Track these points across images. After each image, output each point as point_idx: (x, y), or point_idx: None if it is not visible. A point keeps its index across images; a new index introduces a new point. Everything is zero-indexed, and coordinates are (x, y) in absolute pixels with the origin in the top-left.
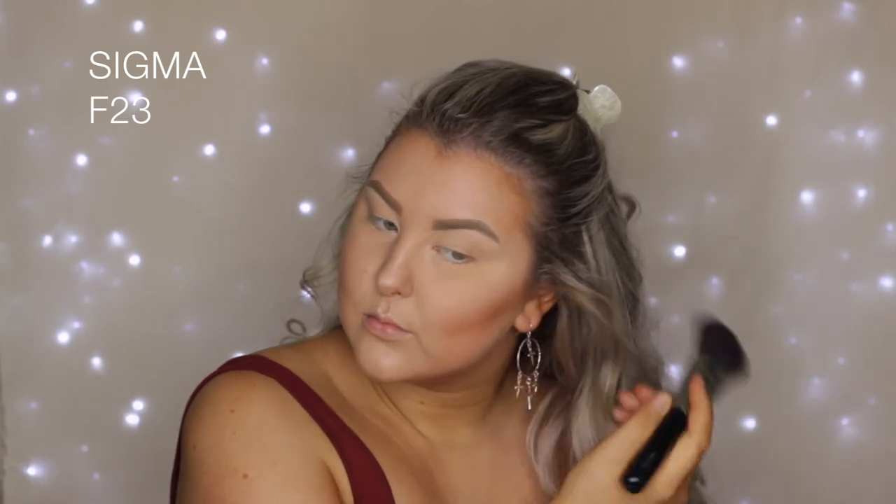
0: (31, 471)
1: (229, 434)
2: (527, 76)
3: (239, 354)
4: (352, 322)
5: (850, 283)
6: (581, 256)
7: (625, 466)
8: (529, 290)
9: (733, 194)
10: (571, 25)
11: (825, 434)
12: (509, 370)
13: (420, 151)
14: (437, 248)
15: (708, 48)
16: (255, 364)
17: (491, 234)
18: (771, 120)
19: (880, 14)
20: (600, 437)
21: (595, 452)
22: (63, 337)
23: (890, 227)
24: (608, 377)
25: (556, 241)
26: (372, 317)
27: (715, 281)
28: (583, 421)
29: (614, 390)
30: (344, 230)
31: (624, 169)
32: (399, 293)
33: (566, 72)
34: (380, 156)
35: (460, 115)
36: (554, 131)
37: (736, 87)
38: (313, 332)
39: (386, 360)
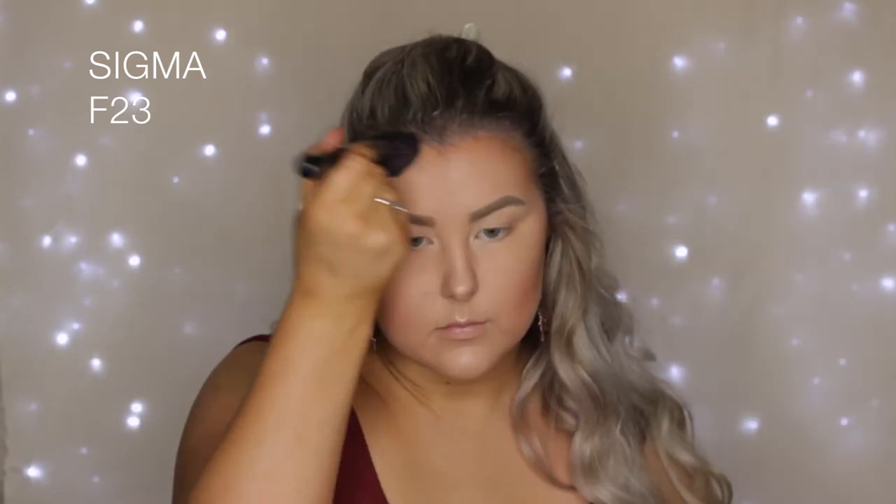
0: (31, 472)
1: (222, 362)
2: (434, 48)
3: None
4: (420, 343)
5: (852, 284)
6: (562, 187)
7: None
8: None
9: (734, 195)
10: (571, 25)
11: (827, 435)
12: (521, 352)
13: (421, 163)
14: (478, 235)
15: (708, 48)
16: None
17: (518, 201)
18: (772, 120)
19: (881, 14)
20: (570, 374)
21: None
22: (62, 338)
23: (892, 227)
24: (577, 311)
25: (547, 176)
26: (449, 326)
27: (716, 282)
28: (559, 359)
29: (580, 325)
30: None
31: (625, 169)
32: (472, 293)
33: (566, 72)
34: None
35: (435, 114)
36: (500, 81)
37: (736, 87)
38: None
39: (474, 357)
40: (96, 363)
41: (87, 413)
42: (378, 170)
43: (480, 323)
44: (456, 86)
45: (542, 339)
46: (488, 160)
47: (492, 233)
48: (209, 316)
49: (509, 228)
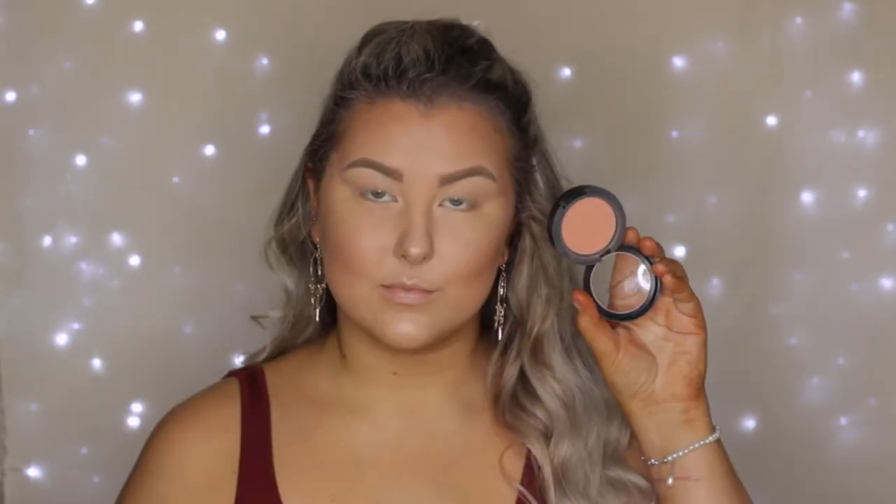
0: (31, 472)
1: (138, 464)
2: (438, 25)
3: (238, 358)
4: (365, 298)
5: (851, 284)
6: (537, 186)
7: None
8: (511, 225)
9: (734, 194)
10: (571, 25)
11: (825, 434)
12: (477, 344)
13: (402, 118)
14: (442, 203)
15: (708, 48)
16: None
17: (491, 176)
18: (771, 120)
19: (880, 14)
20: (543, 384)
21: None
22: (62, 338)
23: (890, 227)
24: (551, 319)
25: (523, 173)
26: (394, 286)
27: (715, 281)
28: (531, 367)
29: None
30: (289, 251)
31: (624, 169)
32: (425, 258)
33: (566, 72)
34: (336, 140)
35: (427, 75)
36: (496, 66)
37: (736, 87)
38: (262, 355)
39: (414, 326)
40: (96, 363)
41: (87, 413)
42: None
43: (427, 292)
44: (454, 56)
45: (500, 335)
46: (469, 130)
47: (457, 203)
48: (209, 316)
49: (474, 204)
